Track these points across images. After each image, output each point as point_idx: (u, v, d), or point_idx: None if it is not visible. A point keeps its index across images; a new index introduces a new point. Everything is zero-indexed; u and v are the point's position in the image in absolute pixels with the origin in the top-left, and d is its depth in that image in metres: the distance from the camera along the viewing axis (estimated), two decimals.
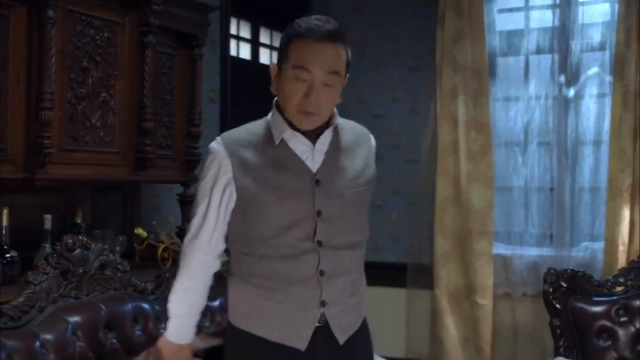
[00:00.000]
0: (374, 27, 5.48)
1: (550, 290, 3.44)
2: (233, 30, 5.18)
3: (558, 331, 3.42)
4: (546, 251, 4.82)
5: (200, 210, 2.10)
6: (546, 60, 4.86)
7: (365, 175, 2.15)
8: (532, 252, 4.85)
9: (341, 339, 2.12)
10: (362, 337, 2.22)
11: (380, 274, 5.33)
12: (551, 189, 4.84)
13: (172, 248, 3.78)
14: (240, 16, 5.24)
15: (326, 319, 2.08)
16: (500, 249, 4.92)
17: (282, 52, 2.03)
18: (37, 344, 2.47)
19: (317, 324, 2.08)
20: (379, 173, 5.36)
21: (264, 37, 5.56)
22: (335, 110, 2.13)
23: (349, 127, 2.19)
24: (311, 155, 2.06)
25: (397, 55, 5.42)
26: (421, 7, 5.23)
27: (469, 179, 4.85)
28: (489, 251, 4.82)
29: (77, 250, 2.73)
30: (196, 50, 3.98)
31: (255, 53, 5.46)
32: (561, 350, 3.40)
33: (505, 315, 4.90)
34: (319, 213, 2.03)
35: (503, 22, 5.04)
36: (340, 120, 2.14)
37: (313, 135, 2.07)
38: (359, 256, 2.19)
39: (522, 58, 4.95)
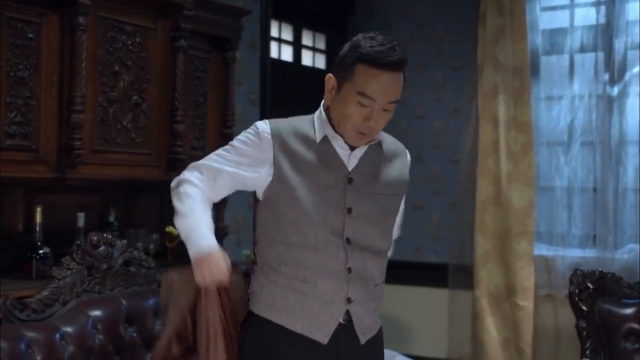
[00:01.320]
0: (418, 27, 5.50)
1: (576, 291, 3.41)
2: (274, 33, 5.26)
3: (584, 333, 3.38)
4: (589, 253, 4.75)
5: (220, 157, 2.13)
6: (590, 58, 4.79)
7: (397, 185, 2.22)
8: (574, 253, 4.78)
9: (362, 338, 2.15)
10: (378, 342, 2.26)
11: (422, 274, 5.36)
12: (594, 190, 4.76)
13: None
14: (282, 19, 5.31)
15: (350, 317, 2.12)
16: (542, 250, 4.87)
17: (346, 70, 2.05)
18: (57, 336, 2.57)
19: (341, 321, 2.11)
20: (421, 173, 5.42)
21: (307, 39, 5.62)
22: None
23: (389, 140, 2.27)
24: (347, 157, 2.13)
25: (440, 55, 5.42)
26: (464, 6, 5.23)
27: (510, 179, 4.81)
28: (529, 252, 4.78)
29: (102, 247, 2.84)
30: (229, 53, 4.08)
31: (297, 55, 5.52)
32: (587, 352, 3.36)
33: (547, 318, 4.85)
34: (349, 210, 2.10)
35: (546, 20, 4.99)
36: (383, 136, 2.23)
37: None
38: (382, 264, 2.23)
39: (565, 56, 4.89)
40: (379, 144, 2.19)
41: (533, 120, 4.82)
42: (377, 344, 2.23)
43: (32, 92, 3.19)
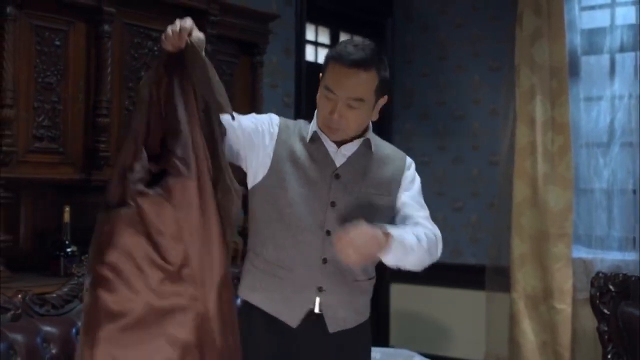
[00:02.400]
0: (456, 28, 5.50)
1: (598, 294, 3.36)
2: (311, 36, 5.33)
3: (606, 337, 3.34)
4: (629, 255, 4.68)
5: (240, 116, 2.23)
6: (630, 58, 4.72)
7: (386, 186, 2.27)
8: (614, 256, 4.72)
9: (331, 328, 2.23)
10: (357, 336, 2.32)
11: (460, 276, 5.35)
12: (634, 191, 4.68)
13: (234, 247, 3.95)
14: (318, 22, 5.37)
15: (322, 307, 2.21)
16: (581, 252, 4.81)
17: (323, 69, 2.19)
18: (73, 330, 2.68)
19: (313, 309, 2.22)
20: (460, 174, 5.41)
21: None
22: (371, 127, 2.29)
23: (387, 147, 2.36)
24: (335, 154, 2.23)
25: (478, 55, 5.41)
26: (502, 7, 5.22)
27: (546, 181, 4.77)
28: (567, 254, 4.72)
29: None
30: (257, 57, 4.16)
31: None
32: (609, 356, 3.32)
33: (586, 321, 4.76)
34: (332, 204, 2.19)
35: (586, 20, 4.93)
36: (377, 140, 2.31)
37: (339, 142, 2.25)
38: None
39: (605, 56, 4.82)
40: (369, 145, 2.26)
41: (572, 121, 4.76)
42: (352, 338, 2.27)
43: (59, 97, 3.33)
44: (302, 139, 2.24)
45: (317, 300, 2.21)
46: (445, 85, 5.53)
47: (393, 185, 2.28)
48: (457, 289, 5.41)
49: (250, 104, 4.16)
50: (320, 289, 2.21)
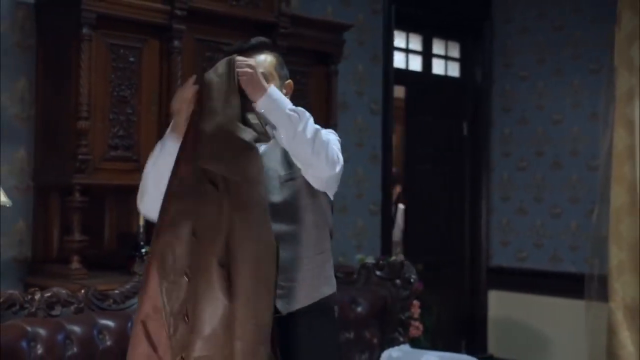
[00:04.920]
0: (554, 30, 5.39)
1: None
2: (402, 43, 5.38)
3: None
4: None
5: None
6: None
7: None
8: None
9: (283, 309, 2.27)
10: (311, 318, 2.34)
11: (559, 284, 5.22)
12: None
13: None
14: (410, 29, 5.41)
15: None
16: None
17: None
18: (129, 324, 2.90)
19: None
20: (559, 179, 5.37)
21: (438, 48, 5.67)
22: None
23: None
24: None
25: (577, 58, 5.28)
26: (603, 7, 5.06)
27: None
28: None
29: None
30: (332, 67, 4.27)
31: (427, 64, 5.59)
32: None
33: None
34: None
35: None
36: None
37: None
38: (309, 235, 2.35)
39: None
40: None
41: None
42: (305, 322, 2.32)
43: (133, 109, 3.60)
44: None
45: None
46: (543, 90, 5.42)
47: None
48: (557, 298, 5.28)
49: (326, 113, 4.28)
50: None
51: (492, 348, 5.60)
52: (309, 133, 2.18)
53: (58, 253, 3.66)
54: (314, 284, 2.36)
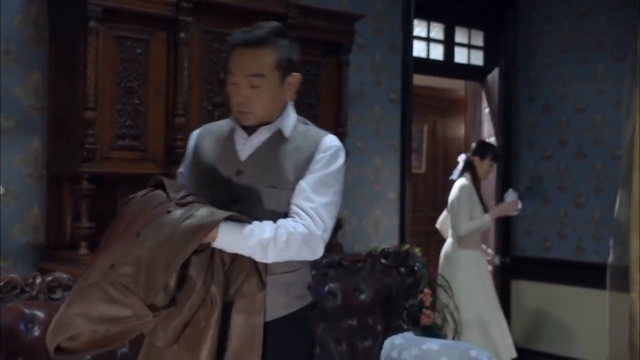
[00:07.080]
0: (579, 17, 5.30)
1: None
2: (422, 32, 5.36)
3: None
4: None
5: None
6: None
7: (295, 178, 2.16)
8: None
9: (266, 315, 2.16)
10: (288, 327, 2.21)
11: (583, 274, 5.16)
12: None
13: None
14: (431, 18, 5.39)
15: None
16: None
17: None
18: None
19: None
20: (582, 169, 5.32)
21: (460, 36, 5.63)
22: (289, 112, 2.25)
23: (309, 130, 2.27)
24: (243, 146, 2.22)
25: (602, 46, 5.19)
26: None
27: None
28: None
29: None
30: (343, 57, 4.29)
31: (449, 53, 5.55)
32: None
33: None
34: (235, 201, 2.18)
35: None
36: (299, 126, 2.25)
37: (253, 130, 2.23)
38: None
39: None
40: (281, 133, 2.21)
41: None
42: (282, 331, 2.19)
43: (140, 100, 3.70)
44: (218, 137, 2.26)
45: None
46: (567, 77, 5.34)
47: (301, 175, 2.16)
48: (580, 287, 5.22)
49: (337, 103, 4.30)
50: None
51: (515, 337, 5.56)
52: (277, 252, 2.06)
53: (70, 239, 3.79)
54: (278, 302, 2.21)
